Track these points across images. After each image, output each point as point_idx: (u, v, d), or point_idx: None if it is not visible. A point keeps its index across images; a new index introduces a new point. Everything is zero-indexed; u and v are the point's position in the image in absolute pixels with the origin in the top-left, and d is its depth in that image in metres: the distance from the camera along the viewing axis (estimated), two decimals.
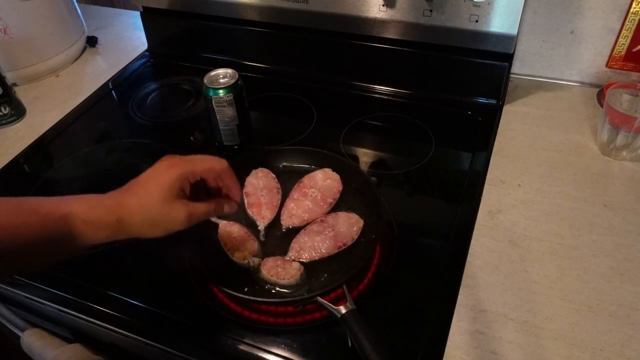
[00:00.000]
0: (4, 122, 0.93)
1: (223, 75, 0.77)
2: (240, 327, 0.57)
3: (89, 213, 0.47)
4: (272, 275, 0.57)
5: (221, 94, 0.74)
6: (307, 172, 0.72)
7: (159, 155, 0.53)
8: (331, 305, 0.52)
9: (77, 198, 0.49)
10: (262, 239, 0.64)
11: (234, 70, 0.77)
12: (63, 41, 1.07)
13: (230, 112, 0.76)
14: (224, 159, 0.55)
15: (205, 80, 0.76)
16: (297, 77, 0.99)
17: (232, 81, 0.75)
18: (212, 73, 0.77)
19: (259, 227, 0.65)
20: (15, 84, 1.00)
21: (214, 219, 0.66)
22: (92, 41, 1.16)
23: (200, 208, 0.52)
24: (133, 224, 0.49)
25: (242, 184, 0.71)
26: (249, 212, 0.67)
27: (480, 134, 0.83)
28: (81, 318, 0.61)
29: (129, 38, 1.18)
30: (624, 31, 0.82)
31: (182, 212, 0.50)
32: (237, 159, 0.76)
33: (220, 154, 0.82)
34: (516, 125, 0.83)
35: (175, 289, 0.62)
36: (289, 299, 0.57)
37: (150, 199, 0.49)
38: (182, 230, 0.52)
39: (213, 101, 0.75)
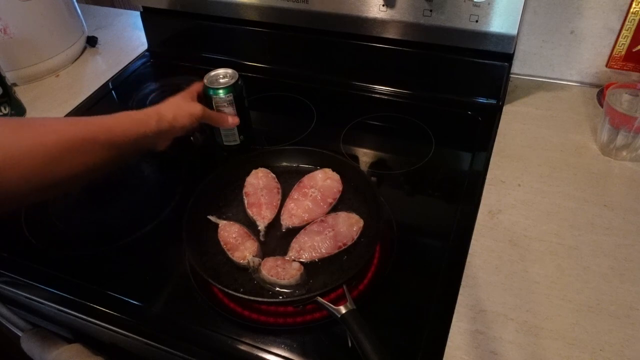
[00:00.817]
0: None
1: (223, 75, 0.77)
2: (240, 327, 0.57)
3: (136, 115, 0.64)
4: (272, 275, 0.57)
5: (221, 94, 0.74)
6: (307, 172, 0.72)
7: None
8: (331, 305, 0.52)
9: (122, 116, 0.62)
10: (262, 239, 0.64)
11: (234, 70, 0.77)
12: (63, 41, 1.07)
13: (230, 112, 0.76)
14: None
15: (205, 80, 0.75)
16: (297, 77, 0.99)
17: (232, 81, 0.75)
18: (212, 73, 0.77)
19: (259, 227, 0.65)
20: (15, 84, 1.00)
21: (213, 219, 0.66)
22: (92, 41, 1.16)
23: (210, 112, 0.73)
24: (166, 110, 0.66)
25: (242, 184, 0.71)
26: (249, 212, 0.67)
27: (480, 134, 0.83)
28: (81, 318, 0.61)
29: (129, 38, 1.18)
30: (624, 31, 0.82)
31: (199, 106, 0.70)
32: (237, 159, 0.76)
33: (221, 154, 0.82)
34: (516, 125, 0.83)
35: (175, 289, 0.62)
36: (289, 299, 0.57)
37: (176, 98, 0.70)
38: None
39: (213, 101, 0.75)
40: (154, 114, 0.64)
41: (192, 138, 0.78)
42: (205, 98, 0.75)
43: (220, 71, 0.77)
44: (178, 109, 0.67)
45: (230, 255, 0.61)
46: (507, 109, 0.87)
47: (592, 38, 0.85)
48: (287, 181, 0.72)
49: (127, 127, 0.60)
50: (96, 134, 0.56)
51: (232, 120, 0.76)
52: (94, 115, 0.58)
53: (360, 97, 0.95)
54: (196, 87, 0.75)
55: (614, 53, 0.85)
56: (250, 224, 0.66)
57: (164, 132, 0.65)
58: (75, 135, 0.53)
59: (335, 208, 0.67)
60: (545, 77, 0.93)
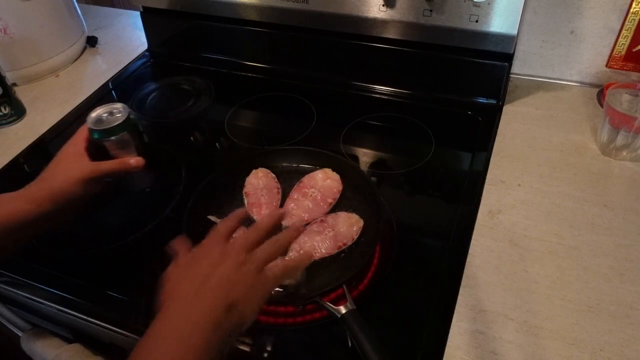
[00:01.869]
0: (4, 122, 0.93)
1: (109, 112, 0.63)
2: None
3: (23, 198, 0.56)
4: None
5: (112, 137, 0.62)
6: (307, 172, 0.72)
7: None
8: (331, 305, 0.52)
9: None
10: None
11: (122, 104, 0.64)
12: (63, 41, 1.07)
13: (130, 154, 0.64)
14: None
15: (89, 123, 0.62)
16: (297, 77, 0.99)
17: (123, 117, 0.62)
18: (95, 113, 0.63)
19: None
20: (15, 84, 1.00)
21: (213, 219, 0.66)
22: (92, 41, 1.16)
23: (105, 164, 0.60)
24: (43, 186, 0.57)
25: (242, 184, 0.71)
26: (249, 212, 0.67)
27: (480, 134, 0.83)
28: (81, 318, 0.61)
29: (129, 38, 1.18)
30: (624, 31, 0.82)
31: (86, 164, 0.58)
32: (237, 159, 0.76)
33: (221, 154, 0.82)
34: (516, 125, 0.83)
35: None
36: (289, 299, 0.57)
37: (57, 161, 0.59)
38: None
39: (106, 146, 0.62)
40: (25, 196, 0.55)
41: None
42: (94, 145, 0.62)
43: (105, 108, 0.64)
44: (58, 179, 0.57)
45: None
46: (507, 109, 0.87)
47: (592, 38, 0.85)
48: (287, 181, 0.72)
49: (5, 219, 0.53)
50: None
51: (135, 161, 0.62)
52: None
53: (360, 97, 0.95)
54: (81, 135, 0.61)
55: (614, 53, 0.85)
56: (250, 224, 0.66)
57: (50, 212, 0.56)
58: None
59: (335, 208, 0.67)
60: (545, 77, 0.93)
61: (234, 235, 0.62)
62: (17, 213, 0.54)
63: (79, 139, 0.61)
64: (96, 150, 0.62)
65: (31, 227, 0.55)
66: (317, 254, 0.61)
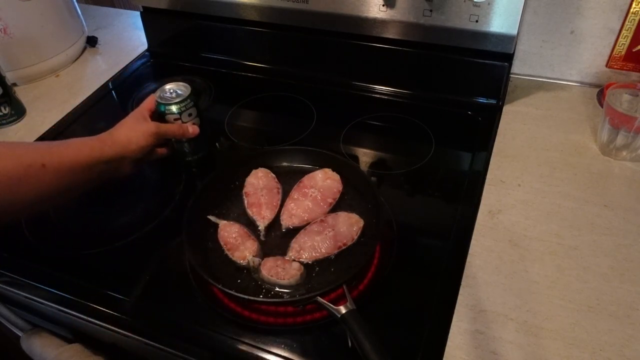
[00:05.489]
0: (4, 122, 0.93)
1: (174, 89, 0.74)
2: (240, 327, 0.57)
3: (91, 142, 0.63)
4: (272, 275, 0.57)
5: (174, 110, 0.72)
6: (307, 172, 0.72)
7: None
8: (331, 305, 0.52)
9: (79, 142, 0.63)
10: (262, 239, 0.64)
11: (185, 84, 0.74)
12: (63, 41, 1.07)
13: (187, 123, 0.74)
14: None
15: (157, 96, 0.72)
16: (297, 77, 0.99)
17: (185, 94, 0.72)
18: (165, 87, 0.74)
19: (259, 227, 0.65)
20: (15, 84, 1.00)
21: (213, 219, 0.66)
22: (92, 41, 1.16)
23: (166, 126, 0.70)
24: (119, 134, 0.65)
25: (242, 184, 0.71)
26: (249, 212, 0.67)
27: (480, 134, 0.83)
28: (81, 318, 0.61)
29: (129, 38, 1.18)
30: (624, 31, 0.82)
31: (152, 124, 0.68)
32: (237, 159, 0.76)
33: (222, 155, 0.82)
34: (516, 125, 0.83)
35: (175, 289, 0.62)
36: (289, 299, 0.57)
37: (127, 119, 0.68)
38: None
39: (166, 118, 0.72)
40: (107, 139, 0.64)
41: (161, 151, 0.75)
42: (158, 115, 0.72)
43: (173, 85, 0.74)
44: (130, 130, 0.66)
45: (230, 255, 0.61)
46: (507, 109, 0.87)
47: (592, 38, 0.85)
48: (287, 181, 0.72)
49: (77, 153, 0.59)
50: (45, 160, 0.55)
51: (192, 129, 0.73)
52: (49, 141, 0.58)
53: (360, 97, 0.95)
54: (147, 104, 0.71)
55: (614, 53, 0.85)
56: (250, 224, 0.66)
57: (119, 156, 0.64)
58: (33, 160, 0.54)
59: (335, 208, 0.67)
60: (545, 77, 0.93)
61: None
62: (87, 152, 0.60)
63: (145, 107, 0.71)
64: (158, 119, 0.71)
65: (95, 170, 0.61)
66: (317, 254, 0.61)
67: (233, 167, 0.74)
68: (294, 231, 0.64)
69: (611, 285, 0.58)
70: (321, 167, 0.72)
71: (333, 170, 0.71)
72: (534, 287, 0.59)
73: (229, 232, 0.63)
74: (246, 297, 0.56)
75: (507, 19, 0.77)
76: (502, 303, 0.57)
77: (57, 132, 0.91)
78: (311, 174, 0.71)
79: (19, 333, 0.74)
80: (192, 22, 1.04)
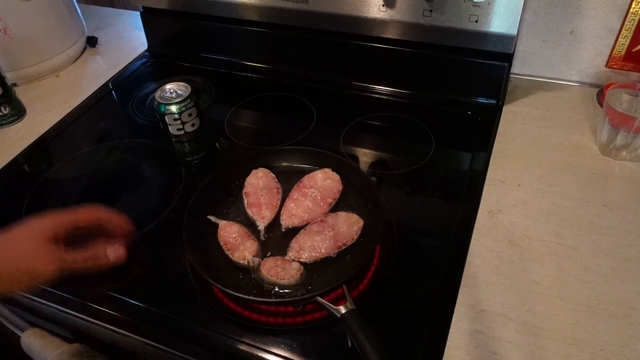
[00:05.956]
0: (4, 122, 0.93)
1: (173, 89, 0.73)
2: (240, 327, 0.57)
3: None
4: (272, 275, 0.57)
5: (173, 110, 0.72)
6: (307, 172, 0.72)
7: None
8: (331, 305, 0.52)
9: None
10: (262, 239, 0.64)
11: (186, 84, 0.74)
12: (63, 41, 1.07)
13: (189, 120, 0.74)
14: (99, 206, 0.55)
15: (156, 96, 0.72)
16: (297, 77, 0.99)
17: (186, 94, 0.72)
18: (166, 86, 0.74)
19: (259, 227, 0.65)
20: (15, 84, 1.00)
21: (213, 219, 0.66)
22: (92, 41, 1.16)
23: (73, 256, 0.51)
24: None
25: (242, 184, 0.71)
26: (249, 212, 0.67)
27: (480, 134, 0.83)
28: (81, 318, 0.61)
29: (129, 38, 1.18)
30: (623, 31, 0.82)
31: (52, 262, 0.49)
32: (237, 159, 0.76)
33: (222, 155, 0.82)
34: (516, 125, 0.83)
35: (175, 289, 0.62)
36: (289, 299, 0.57)
37: (16, 246, 0.47)
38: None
39: (166, 118, 0.72)
40: None
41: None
42: (158, 115, 0.73)
43: (173, 85, 0.74)
44: (17, 267, 0.48)
45: (230, 255, 0.61)
46: (507, 109, 0.87)
47: (592, 38, 0.85)
48: (287, 181, 0.72)
49: None
50: None
51: (114, 253, 0.56)
52: None
53: (360, 97, 0.95)
54: (64, 215, 0.53)
55: (613, 53, 0.85)
56: (250, 224, 0.66)
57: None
58: None
59: (335, 208, 0.67)
60: (545, 77, 0.93)
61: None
62: None
63: (48, 224, 0.51)
64: (159, 119, 0.69)
65: None
66: (317, 254, 0.61)
67: (233, 167, 0.74)
68: (294, 231, 0.64)
69: (611, 285, 0.59)
70: (321, 167, 0.72)
71: (333, 170, 0.71)
72: (533, 287, 0.59)
73: (229, 232, 0.63)
74: (246, 297, 0.56)
75: (507, 19, 0.77)
76: (502, 303, 0.57)
77: (57, 132, 0.91)
78: (311, 174, 0.71)
79: (19, 333, 0.74)
80: (192, 22, 1.04)
